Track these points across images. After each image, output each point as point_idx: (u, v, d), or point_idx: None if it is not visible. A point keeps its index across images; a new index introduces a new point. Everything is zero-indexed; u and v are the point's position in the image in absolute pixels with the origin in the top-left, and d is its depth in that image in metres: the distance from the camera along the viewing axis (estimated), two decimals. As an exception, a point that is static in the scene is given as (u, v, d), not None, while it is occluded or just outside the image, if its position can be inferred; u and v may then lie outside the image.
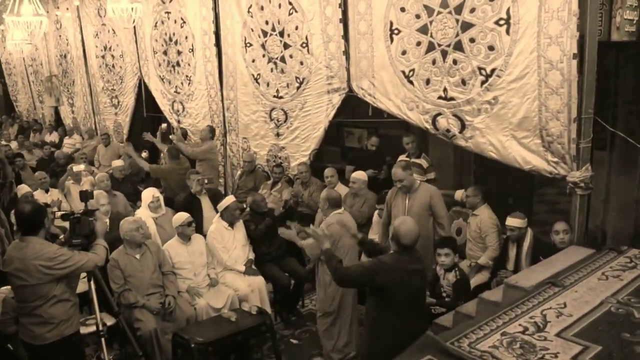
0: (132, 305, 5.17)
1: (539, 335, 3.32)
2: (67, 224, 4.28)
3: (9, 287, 4.30)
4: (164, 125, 9.25)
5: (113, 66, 11.20)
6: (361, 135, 8.87)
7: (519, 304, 3.74)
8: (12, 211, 5.91)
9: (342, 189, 6.73)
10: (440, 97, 5.91)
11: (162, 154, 9.18)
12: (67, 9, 11.65)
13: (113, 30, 10.83)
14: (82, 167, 8.41)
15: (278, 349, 5.32)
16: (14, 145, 12.37)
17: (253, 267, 6.11)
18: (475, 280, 5.37)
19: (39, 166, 10.02)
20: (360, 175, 6.67)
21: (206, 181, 6.87)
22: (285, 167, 7.93)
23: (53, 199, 7.51)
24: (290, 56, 7.44)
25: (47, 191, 7.83)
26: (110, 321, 4.92)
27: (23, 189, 7.22)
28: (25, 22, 6.47)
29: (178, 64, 9.36)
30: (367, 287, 3.89)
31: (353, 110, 7.61)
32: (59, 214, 4.34)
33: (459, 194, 6.23)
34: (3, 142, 12.51)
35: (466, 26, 5.52)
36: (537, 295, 3.85)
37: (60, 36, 12.84)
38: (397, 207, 5.53)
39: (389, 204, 5.68)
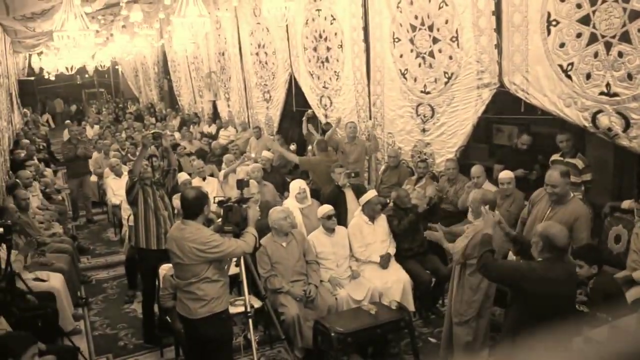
0: (278, 290, 5.41)
1: None
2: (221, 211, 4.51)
3: (169, 264, 4.66)
4: (310, 111, 9.51)
5: (266, 63, 11.73)
6: (511, 133, 8.50)
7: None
8: (174, 196, 6.48)
9: (489, 188, 6.51)
10: (602, 93, 5.50)
11: (310, 147, 9.46)
12: (227, 9, 12.38)
13: (267, 28, 11.35)
14: (252, 155, 8.82)
15: (416, 346, 5.27)
16: (177, 135, 13.42)
17: (393, 261, 6.13)
18: (632, 294, 4.92)
19: (198, 156, 10.75)
20: (510, 175, 6.47)
21: (353, 175, 6.96)
22: (430, 163, 7.84)
23: (211, 187, 8.04)
24: (439, 51, 7.32)
25: (204, 179, 8.40)
26: (257, 304, 5.18)
27: (182, 176, 7.78)
28: (189, 23, 6.95)
29: (327, 60, 9.58)
30: (510, 287, 3.72)
31: (503, 106, 7.34)
32: (217, 199, 4.58)
33: (626, 204, 5.76)
34: (168, 133, 13.61)
35: (635, 15, 5.07)
36: None
37: (219, 35, 13.69)
38: (535, 212, 5.15)
39: (531, 203, 5.35)
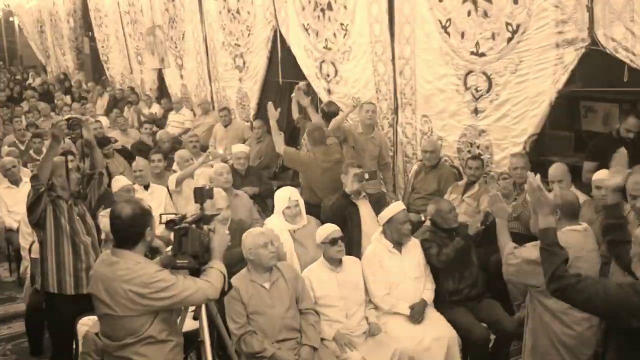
0: (257, 354, 5.33)
1: None
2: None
3: (93, 317, 4.62)
4: (301, 84, 9.49)
5: (238, 12, 11.73)
6: (609, 114, 8.46)
7: None
8: (101, 213, 6.42)
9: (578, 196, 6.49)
10: None
11: (303, 139, 9.43)
12: None
13: (240, -41, 11.40)
14: (220, 151, 8.77)
15: None
16: (104, 122, 13.30)
17: (431, 309, 6.12)
18: None
19: (136, 152, 10.71)
20: (608, 176, 6.38)
21: (367, 176, 6.93)
22: (487, 160, 7.82)
23: (157, 201, 7.98)
24: (499, -10, 7.34)
25: (146, 187, 8.35)
26: (226, 376, 5.12)
27: (119, 181, 7.68)
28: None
29: (329, 7, 9.58)
30: (607, 319, 3.74)
31: (596, 75, 7.32)
32: (165, 218, 4.54)
33: None
34: (90, 118, 13.52)
35: None
36: None
37: (167, -30, 13.73)
38: None
39: None
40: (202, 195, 4.56)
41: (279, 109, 8.52)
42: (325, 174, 7.84)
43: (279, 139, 8.48)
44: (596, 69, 7.12)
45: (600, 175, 6.38)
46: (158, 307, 4.02)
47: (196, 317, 4.50)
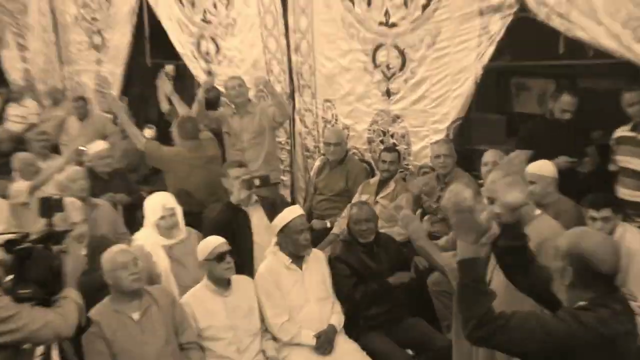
0: (127, 404, 5.28)
1: None
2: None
3: None
4: (169, 68, 9.44)
5: (94, -23, 11.57)
6: (544, 92, 8.66)
7: None
8: None
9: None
10: None
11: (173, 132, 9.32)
12: None
13: None
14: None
15: None
16: None
17: (343, 337, 6.12)
18: None
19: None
20: (543, 169, 6.53)
21: (257, 182, 6.89)
22: (403, 152, 7.93)
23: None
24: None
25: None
26: None
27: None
28: None
29: (208, -30, 9.57)
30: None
31: (528, 47, 7.48)
32: (1, 239, 4.40)
33: None
34: None
35: None
36: None
37: None
38: None
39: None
40: (48, 207, 4.44)
41: (125, 98, 8.45)
42: (195, 174, 7.84)
43: (135, 132, 8.53)
44: (527, 40, 7.26)
45: (534, 168, 6.50)
46: None
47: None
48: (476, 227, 3.70)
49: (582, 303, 3.56)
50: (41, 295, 4.09)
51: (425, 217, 6.85)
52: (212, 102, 9.11)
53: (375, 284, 6.21)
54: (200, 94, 8.67)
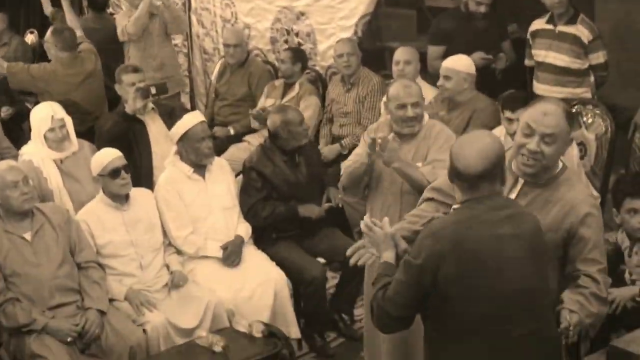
0: (24, 328, 5.21)
1: None
2: None
3: None
4: None
5: None
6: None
7: None
8: None
9: (426, 91, 6.55)
10: None
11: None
12: None
13: None
14: None
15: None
16: None
17: (251, 247, 6.13)
18: None
19: None
20: (458, 63, 6.57)
21: (153, 90, 6.72)
22: (309, 52, 7.92)
23: None
24: None
25: None
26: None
27: None
28: None
29: None
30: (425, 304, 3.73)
31: None
32: None
33: None
34: None
35: None
36: None
37: None
38: None
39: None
40: None
41: None
42: (73, 93, 7.51)
43: None
44: None
45: (449, 63, 6.56)
46: None
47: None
48: (380, 239, 3.99)
49: (456, 206, 3.71)
50: None
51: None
52: (99, 6, 8.92)
53: (283, 208, 6.20)
54: None
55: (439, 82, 6.61)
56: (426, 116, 5.42)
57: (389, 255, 3.94)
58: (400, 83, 5.43)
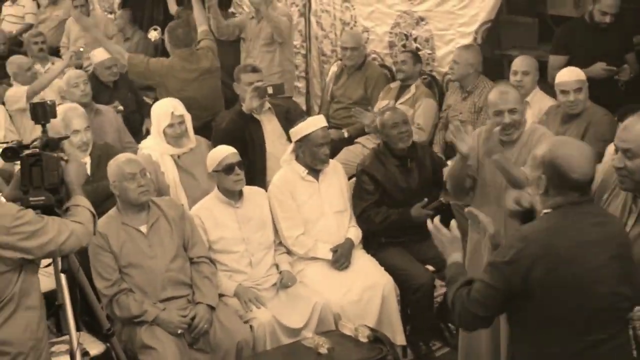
0: (136, 319, 5.34)
1: None
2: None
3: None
4: None
5: None
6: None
7: None
8: None
9: (544, 102, 6.57)
10: None
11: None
12: None
13: None
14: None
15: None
16: None
17: (360, 252, 6.19)
18: None
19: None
20: (574, 74, 6.46)
21: (270, 90, 6.85)
22: (427, 57, 7.90)
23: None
24: None
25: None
26: (95, 349, 5.08)
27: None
28: None
29: None
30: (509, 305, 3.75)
31: None
32: (2, 146, 4.37)
33: None
34: None
35: None
36: None
37: None
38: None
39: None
40: (42, 112, 4.37)
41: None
42: (188, 89, 7.65)
43: (113, 47, 8.43)
44: None
45: (564, 75, 6.44)
46: (30, 256, 3.84)
47: (64, 269, 4.37)
48: (448, 241, 4.10)
49: (547, 211, 3.70)
50: (52, 202, 4.08)
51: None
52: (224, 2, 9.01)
53: (397, 215, 6.18)
54: None
55: (558, 97, 6.50)
56: (529, 122, 5.36)
57: (457, 257, 4.07)
58: (498, 89, 5.38)
